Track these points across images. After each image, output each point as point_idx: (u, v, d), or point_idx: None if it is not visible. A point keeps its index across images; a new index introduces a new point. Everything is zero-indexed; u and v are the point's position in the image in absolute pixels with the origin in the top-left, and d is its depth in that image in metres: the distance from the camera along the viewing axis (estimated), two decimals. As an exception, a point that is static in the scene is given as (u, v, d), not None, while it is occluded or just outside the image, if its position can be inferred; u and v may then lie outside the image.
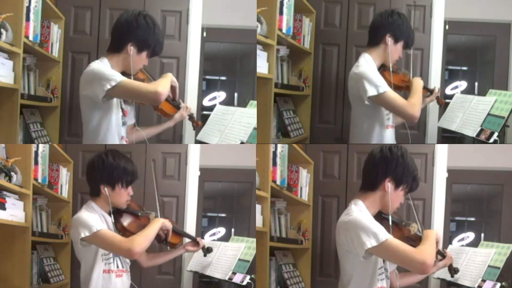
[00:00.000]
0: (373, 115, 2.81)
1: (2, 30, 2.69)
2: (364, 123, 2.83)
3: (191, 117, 2.90)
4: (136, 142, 2.82)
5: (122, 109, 2.69)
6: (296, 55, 3.76)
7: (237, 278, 3.07)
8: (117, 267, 2.47)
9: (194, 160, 3.97)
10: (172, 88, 2.65)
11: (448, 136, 3.88)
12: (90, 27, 3.80)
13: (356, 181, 3.91)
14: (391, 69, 2.82)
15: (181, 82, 3.83)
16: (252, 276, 3.06)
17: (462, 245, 3.75)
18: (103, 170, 2.46)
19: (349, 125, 3.77)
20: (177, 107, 2.78)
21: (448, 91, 3.95)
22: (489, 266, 3.14)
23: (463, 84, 4.00)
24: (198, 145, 3.91)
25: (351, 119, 2.94)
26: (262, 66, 3.12)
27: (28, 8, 2.96)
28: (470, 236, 3.91)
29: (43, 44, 3.34)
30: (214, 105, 3.49)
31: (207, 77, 4.00)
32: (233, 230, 3.99)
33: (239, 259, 3.17)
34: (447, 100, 3.48)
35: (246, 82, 3.99)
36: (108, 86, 2.41)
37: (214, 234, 3.93)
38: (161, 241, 2.60)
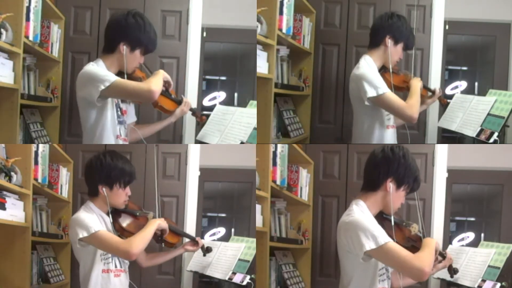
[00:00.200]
0: (373, 116, 2.83)
1: (2, 30, 2.69)
2: (364, 124, 2.85)
3: (194, 112, 2.92)
4: (139, 140, 2.86)
5: (120, 108, 2.71)
6: (296, 55, 3.76)
7: (237, 278, 3.07)
8: (116, 266, 2.48)
9: (194, 160, 3.97)
10: (167, 83, 2.68)
11: (448, 136, 3.88)
12: (90, 27, 3.80)
13: (356, 181, 3.91)
14: (391, 70, 2.84)
15: (181, 82, 3.85)
16: (252, 276, 3.06)
17: (462, 245, 3.75)
18: (101, 171, 2.48)
19: (349, 125, 3.80)
20: (178, 103, 2.80)
21: (448, 91, 3.95)
22: (489, 266, 3.14)
23: (463, 84, 4.00)
24: (198, 145, 3.91)
25: (353, 120, 2.95)
26: (262, 66, 3.12)
27: (28, 8, 2.96)
28: (470, 236, 3.91)
29: (43, 44, 3.34)
30: (214, 105, 3.49)
31: (207, 77, 4.00)
32: (233, 230, 3.99)
33: (239, 259, 3.17)
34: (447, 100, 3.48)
35: (246, 82, 3.99)
36: (102, 87, 2.46)
37: (214, 234, 3.93)
38: (158, 241, 2.61)
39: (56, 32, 3.52)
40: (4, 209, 2.62)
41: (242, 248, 3.22)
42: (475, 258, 3.26)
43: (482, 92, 3.40)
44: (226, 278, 3.12)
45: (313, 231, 3.90)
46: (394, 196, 2.27)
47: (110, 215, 2.52)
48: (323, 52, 3.99)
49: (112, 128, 2.62)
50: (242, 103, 3.61)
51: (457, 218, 4.03)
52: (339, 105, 3.97)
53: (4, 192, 2.67)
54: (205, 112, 3.04)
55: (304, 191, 3.72)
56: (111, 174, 2.48)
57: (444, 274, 2.81)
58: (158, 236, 2.59)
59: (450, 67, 4.05)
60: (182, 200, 3.95)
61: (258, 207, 3.09)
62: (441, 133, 3.90)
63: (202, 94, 3.94)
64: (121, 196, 2.52)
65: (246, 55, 3.95)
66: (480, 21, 3.97)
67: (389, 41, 2.82)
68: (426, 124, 3.95)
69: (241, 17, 3.74)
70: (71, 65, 3.74)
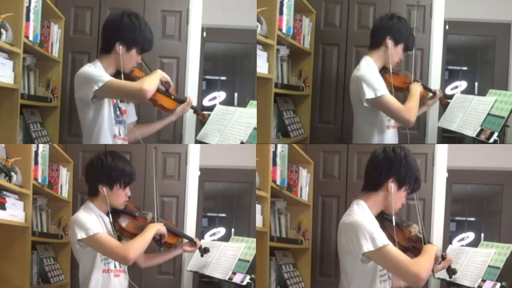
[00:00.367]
0: (373, 117, 2.84)
1: (2, 30, 2.69)
2: (365, 124, 2.87)
3: (195, 110, 2.92)
4: (140, 139, 2.87)
5: (119, 108, 2.72)
6: (296, 55, 3.76)
7: (237, 278, 3.07)
8: (115, 267, 2.49)
9: (194, 160, 3.97)
10: (167, 83, 2.69)
11: (448, 136, 3.88)
12: (90, 27, 3.80)
13: (356, 181, 3.91)
14: (391, 71, 2.85)
15: (181, 82, 3.85)
16: (252, 276, 3.06)
17: (462, 245, 3.75)
18: (102, 171, 2.49)
19: (349, 125, 3.81)
20: (180, 101, 2.81)
21: (448, 91, 3.95)
22: (489, 266, 3.14)
23: (463, 84, 4.00)
24: (198, 145, 3.91)
25: (353, 121, 2.96)
26: (262, 66, 3.12)
27: (28, 8, 2.96)
28: (470, 236, 3.91)
29: (43, 44, 3.34)
30: (214, 105, 3.49)
31: (207, 77, 4.00)
32: (233, 230, 3.99)
33: (239, 259, 3.17)
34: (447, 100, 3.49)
35: (246, 82, 3.99)
36: (96, 87, 2.48)
37: (214, 234, 3.93)
38: (157, 245, 2.63)
39: (56, 32, 3.52)
40: (4, 209, 2.62)
41: (242, 248, 3.22)
42: (475, 258, 3.26)
43: (482, 92, 3.40)
44: (226, 278, 3.12)
45: (313, 231, 3.90)
46: (395, 196, 2.27)
47: (111, 216, 2.52)
48: (323, 52, 3.99)
49: (109, 127, 2.64)
50: (242, 103, 3.61)
51: (457, 218, 4.03)
52: (339, 105, 3.97)
53: (4, 192, 2.67)
54: (205, 112, 3.03)
55: (304, 191, 3.72)
56: (112, 174, 2.48)
57: (444, 274, 2.81)
58: (157, 241, 2.60)
59: (450, 67, 4.05)
60: (182, 200, 3.95)
61: (258, 207, 3.09)
62: (441, 133, 3.90)
63: (202, 94, 3.94)
64: (121, 196, 2.53)
65: (246, 55, 3.95)
66: (480, 21, 3.97)
67: (389, 42, 2.84)
68: (426, 124, 3.95)
69: (241, 17, 3.74)
70: (71, 65, 3.74)
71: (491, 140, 2.90)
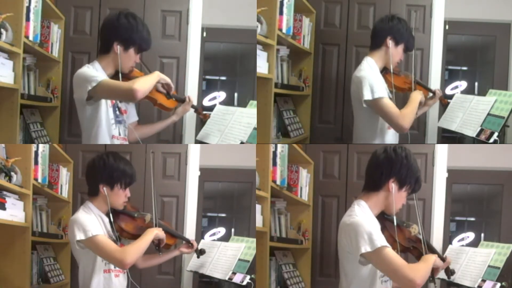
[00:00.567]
0: (374, 117, 2.84)
1: (2, 30, 2.69)
2: (365, 125, 2.87)
3: (196, 109, 2.93)
4: (141, 139, 2.88)
5: (119, 108, 2.73)
6: (296, 55, 3.76)
7: (237, 278, 3.07)
8: (115, 266, 2.48)
9: (194, 160, 3.97)
10: (167, 85, 2.69)
11: (448, 136, 3.88)
12: (90, 27, 3.80)
13: (356, 181, 3.91)
14: (392, 71, 2.87)
15: (181, 82, 3.85)
16: (252, 276, 3.06)
17: (462, 245, 3.75)
18: (104, 170, 2.49)
19: (349, 125, 3.81)
20: (179, 100, 2.81)
21: (448, 91, 3.95)
22: (489, 266, 3.14)
23: (463, 84, 4.00)
24: (198, 145, 3.91)
25: (354, 121, 2.96)
26: (262, 66, 3.12)
27: (28, 8, 2.96)
28: (470, 236, 3.91)
29: (43, 44, 3.34)
30: (214, 105, 3.49)
31: (207, 77, 4.00)
32: (233, 230, 3.99)
33: (239, 259, 3.17)
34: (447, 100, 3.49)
35: (246, 82, 3.99)
36: (89, 87, 2.49)
37: (214, 234, 3.93)
38: (156, 249, 2.63)
39: (56, 32, 3.52)
40: (4, 209, 2.62)
41: (242, 248, 3.22)
42: (475, 258, 3.26)
43: (482, 92, 3.40)
44: (226, 278, 3.12)
45: (313, 231, 3.90)
46: (396, 196, 2.26)
47: (111, 216, 2.53)
48: (323, 52, 3.99)
49: (107, 128, 2.65)
50: (242, 103, 3.61)
51: (457, 218, 4.03)
52: (339, 105, 3.97)
53: (4, 192, 2.67)
54: (205, 112, 3.02)
55: (304, 191, 3.72)
56: (113, 174, 2.49)
57: (443, 274, 2.81)
58: (156, 245, 2.61)
59: (450, 67, 4.05)
60: (182, 200, 3.95)
61: (258, 207, 3.09)
62: (441, 133, 3.90)
63: (202, 94, 3.94)
64: (121, 196, 2.53)
65: (246, 55, 3.95)
66: (480, 21, 3.97)
67: (390, 42, 2.85)
68: (426, 124, 3.95)
69: (241, 17, 3.74)
70: (71, 65, 3.74)
71: (491, 140, 2.90)
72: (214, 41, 3.97)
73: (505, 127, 2.96)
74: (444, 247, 3.72)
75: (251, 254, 3.14)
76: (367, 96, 2.74)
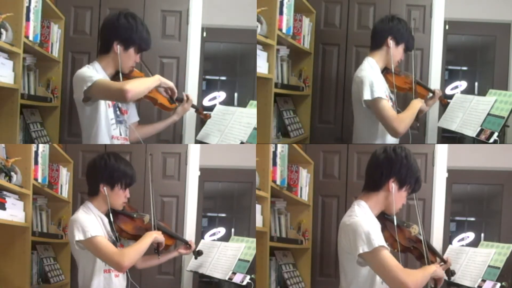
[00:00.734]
0: (374, 118, 2.83)
1: (2, 30, 2.69)
2: (365, 125, 2.86)
3: (197, 109, 2.93)
4: (142, 139, 2.87)
5: (119, 108, 2.73)
6: (296, 55, 3.76)
7: (237, 278, 3.07)
8: None
9: (194, 160, 3.97)
10: (171, 90, 2.70)
11: (448, 136, 3.88)
12: (90, 27, 3.80)
13: (356, 181, 3.91)
14: (393, 71, 2.89)
15: (181, 82, 3.85)
16: (252, 276, 3.06)
17: (462, 245, 3.75)
18: (105, 170, 2.50)
19: (349, 125, 3.80)
20: (180, 100, 2.81)
21: (448, 91, 3.95)
22: (489, 266, 3.14)
23: (463, 84, 4.00)
24: (198, 145, 3.91)
25: (354, 122, 2.96)
26: (262, 66, 3.12)
27: (28, 8, 2.96)
28: (470, 236, 3.91)
29: (43, 44, 3.34)
30: (214, 105, 3.49)
31: (207, 77, 4.00)
32: (233, 230, 3.99)
33: (239, 259, 3.17)
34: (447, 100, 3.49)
35: (246, 82, 3.99)
36: (85, 87, 2.49)
37: (214, 234, 3.93)
38: (155, 252, 2.64)
39: (56, 32, 3.52)
40: (4, 209, 2.62)
41: (242, 248, 3.22)
42: (475, 258, 3.26)
43: (482, 92, 3.40)
44: (226, 278, 3.12)
45: (313, 231, 3.90)
46: (396, 196, 2.26)
47: (111, 215, 2.53)
48: (323, 52, 3.99)
49: (107, 128, 2.64)
50: (242, 103, 3.61)
51: (457, 218, 4.03)
52: (339, 105, 3.97)
53: (4, 192, 2.67)
54: (205, 112, 3.02)
55: (304, 191, 3.72)
56: (114, 174, 2.50)
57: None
58: (155, 249, 2.62)
59: (450, 67, 4.05)
60: (182, 200, 3.95)
61: (258, 207, 3.09)
62: (441, 133, 3.90)
63: (202, 94, 3.94)
64: (120, 197, 2.54)
65: (246, 55, 3.95)
66: (480, 21, 3.97)
67: (391, 42, 2.86)
68: (426, 124, 3.95)
69: (241, 17, 3.74)
70: (71, 65, 3.74)
71: (491, 140, 2.90)
72: (214, 41, 3.97)
73: (505, 127, 2.96)
74: (444, 247, 3.72)
75: (251, 254, 3.14)
76: (366, 96, 2.74)
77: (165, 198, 3.94)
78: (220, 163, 3.96)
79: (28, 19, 2.97)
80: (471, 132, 3.05)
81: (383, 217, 2.32)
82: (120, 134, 2.73)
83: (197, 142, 3.23)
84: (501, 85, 3.88)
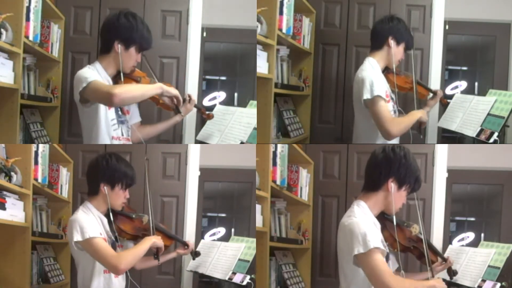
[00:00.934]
0: None
1: (2, 30, 2.69)
2: (366, 125, 2.86)
3: (199, 109, 2.91)
4: (144, 139, 2.87)
5: (121, 108, 2.72)
6: (296, 55, 3.76)
7: (237, 278, 3.07)
8: None
9: (194, 160, 3.97)
10: (176, 98, 2.66)
11: (448, 136, 3.88)
12: (90, 27, 3.80)
13: (356, 181, 3.91)
14: (394, 71, 2.90)
15: (181, 82, 3.85)
16: (252, 276, 3.06)
17: (462, 245, 3.75)
18: (107, 169, 2.51)
19: (349, 125, 3.80)
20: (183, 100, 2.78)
21: (448, 91, 3.95)
22: (489, 266, 3.14)
23: (463, 84, 4.00)
24: (198, 145, 3.91)
25: (354, 121, 2.96)
26: (262, 66, 3.12)
27: (28, 8, 2.96)
28: (470, 236, 3.91)
29: (43, 44, 3.34)
30: (214, 105, 3.49)
31: (207, 77, 4.00)
32: (233, 230, 3.99)
33: (239, 259, 3.17)
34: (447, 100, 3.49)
35: (246, 82, 3.99)
36: (80, 88, 2.50)
37: (214, 234, 3.93)
38: (154, 258, 2.64)
39: (56, 32, 3.52)
40: (4, 209, 2.62)
41: (242, 248, 3.22)
42: (475, 258, 3.26)
43: (482, 92, 3.40)
44: (226, 278, 3.12)
45: (313, 231, 3.90)
46: (396, 196, 2.26)
47: (111, 215, 2.53)
48: (323, 52, 3.99)
49: (107, 129, 2.63)
50: (242, 103, 3.61)
51: (457, 218, 4.03)
52: (339, 105, 3.97)
53: (4, 192, 2.67)
54: (208, 112, 3.01)
55: (304, 191, 3.72)
56: (115, 174, 2.51)
57: (444, 274, 2.81)
58: (154, 254, 2.62)
59: (450, 67, 4.05)
60: (182, 200, 3.95)
61: (258, 207, 3.09)
62: (441, 133, 3.90)
63: (202, 94, 3.94)
64: (120, 197, 2.55)
65: (246, 55, 3.95)
66: (480, 21, 3.97)
67: (391, 42, 2.88)
68: (426, 124, 3.93)
69: (241, 17, 3.74)
70: (71, 65, 3.74)
71: (491, 140, 2.90)
72: (214, 41, 3.97)
73: (505, 127, 2.96)
74: (444, 247, 3.71)
75: (251, 254, 3.14)
76: (366, 95, 2.74)
77: (165, 198, 3.94)
78: (220, 163, 3.96)
79: (28, 19, 2.97)
80: (471, 132, 3.05)
81: (383, 217, 2.32)
82: (122, 135, 2.72)
83: (197, 142, 3.23)
84: (501, 85, 3.87)
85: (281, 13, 3.24)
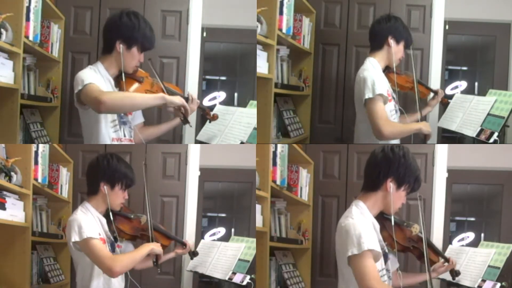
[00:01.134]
0: None
1: (2, 30, 2.69)
2: (367, 126, 2.85)
3: (204, 110, 2.89)
4: (145, 140, 2.86)
5: None
6: (296, 55, 3.76)
7: (237, 278, 3.07)
8: None
9: (194, 160, 3.97)
10: (184, 108, 2.60)
11: (448, 136, 3.88)
12: (90, 27, 3.80)
13: (356, 181, 3.91)
14: (394, 70, 2.91)
15: (181, 82, 3.85)
16: (252, 276, 3.06)
17: (462, 245, 3.75)
18: (107, 169, 2.51)
19: (349, 125, 3.81)
20: (185, 100, 2.74)
21: (448, 91, 3.94)
22: (489, 266, 3.13)
23: (463, 84, 4.00)
24: (198, 145, 3.91)
25: (356, 121, 2.96)
26: (262, 66, 3.12)
27: (28, 8, 2.96)
28: (470, 236, 3.91)
29: (43, 44, 3.34)
30: (214, 105, 3.49)
31: (207, 77, 4.00)
32: (233, 230, 3.99)
33: (239, 259, 3.17)
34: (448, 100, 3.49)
35: (246, 82, 3.99)
36: (76, 90, 2.48)
37: (214, 234, 3.93)
38: (153, 264, 2.63)
39: (56, 32, 3.52)
40: (4, 209, 2.62)
41: (242, 248, 3.22)
42: (475, 258, 3.26)
43: (482, 92, 3.40)
44: (226, 278, 3.12)
45: (313, 231, 3.90)
46: (395, 196, 2.26)
47: (111, 214, 2.53)
48: (323, 52, 3.99)
49: (107, 131, 2.60)
50: (242, 103, 3.61)
51: (457, 218, 4.03)
52: (339, 105, 3.97)
53: (4, 192, 2.67)
54: (213, 113, 2.98)
55: (304, 191, 3.72)
56: (116, 174, 2.51)
57: (446, 274, 2.81)
58: (154, 261, 2.61)
59: (450, 67, 4.05)
60: (182, 200, 3.95)
61: (258, 207, 3.09)
62: (441, 133, 3.89)
63: (202, 94, 3.94)
64: (119, 197, 2.55)
65: (246, 55, 3.95)
66: (480, 21, 3.97)
67: (391, 42, 2.89)
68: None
69: (241, 17, 3.74)
70: (71, 65, 3.74)
71: (491, 140, 2.90)
72: (214, 41, 3.97)
73: (505, 127, 2.96)
74: (444, 247, 3.71)
75: (251, 254, 3.14)
76: (368, 95, 2.73)
77: (165, 198, 3.94)
78: (220, 163, 3.96)
79: (28, 19, 2.97)
80: (471, 132, 3.05)
81: (382, 217, 2.32)
82: (124, 136, 2.70)
83: (197, 142, 3.23)
84: (501, 85, 3.87)
85: (281, 13, 3.24)
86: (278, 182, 3.23)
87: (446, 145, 3.93)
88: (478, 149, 3.73)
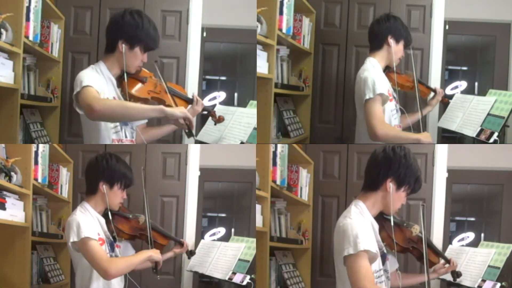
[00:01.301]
0: None
1: (2, 30, 2.69)
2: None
3: (209, 112, 2.86)
4: (148, 141, 2.83)
5: None
6: (296, 55, 3.76)
7: (237, 278, 3.07)
8: None
9: (194, 160, 3.97)
10: (187, 119, 2.53)
11: (448, 136, 3.88)
12: (90, 27, 3.80)
13: (356, 181, 3.91)
14: (395, 70, 2.92)
15: (181, 82, 3.85)
16: (252, 276, 3.06)
17: (462, 245, 3.75)
18: (107, 168, 2.50)
19: (349, 125, 3.81)
20: (189, 101, 2.73)
21: (448, 91, 3.94)
22: (489, 266, 3.13)
23: (463, 84, 4.00)
24: (198, 145, 3.91)
25: (356, 121, 2.96)
26: (262, 66, 3.12)
27: (28, 8, 2.96)
28: (470, 236, 3.91)
29: (43, 44, 3.34)
30: (214, 105, 3.49)
31: (207, 77, 4.00)
32: (233, 230, 3.99)
33: (239, 259, 3.17)
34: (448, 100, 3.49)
35: (246, 82, 3.99)
36: (74, 92, 2.44)
37: (214, 234, 3.93)
38: (153, 271, 2.63)
39: (56, 32, 3.52)
40: (4, 209, 2.62)
41: (242, 248, 3.22)
42: (475, 258, 3.26)
43: (482, 92, 3.40)
44: (226, 278, 3.12)
45: (313, 231, 3.90)
46: (394, 196, 2.25)
47: (110, 214, 2.53)
48: (323, 52, 3.99)
49: (107, 133, 2.57)
50: (242, 103, 3.61)
51: (457, 218, 4.03)
52: (339, 105, 3.98)
53: (4, 192, 2.67)
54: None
55: (304, 191, 3.72)
56: (115, 174, 2.50)
57: (447, 275, 2.81)
58: (153, 268, 2.60)
59: (450, 67, 4.05)
60: (182, 200, 3.95)
61: (258, 207, 3.09)
62: (441, 133, 3.89)
63: (202, 94, 3.94)
64: (118, 197, 2.54)
65: (246, 55, 3.95)
66: (480, 21, 3.97)
67: (391, 41, 2.89)
68: (426, 124, 3.94)
69: (241, 17, 3.74)
70: (71, 65, 3.75)
71: (491, 140, 2.90)
72: (214, 41, 3.98)
73: (505, 127, 2.96)
74: (444, 247, 3.71)
75: (251, 254, 3.14)
76: (368, 94, 2.73)
77: (165, 198, 3.94)
78: (220, 163, 3.96)
79: (28, 19, 2.97)
80: (471, 132, 3.05)
81: (382, 217, 2.31)
82: (125, 137, 2.66)
83: (197, 142, 3.23)
84: (501, 85, 3.87)
85: (281, 13, 3.24)
86: (278, 182, 3.23)
87: (446, 145, 3.93)
88: (478, 149, 3.73)
